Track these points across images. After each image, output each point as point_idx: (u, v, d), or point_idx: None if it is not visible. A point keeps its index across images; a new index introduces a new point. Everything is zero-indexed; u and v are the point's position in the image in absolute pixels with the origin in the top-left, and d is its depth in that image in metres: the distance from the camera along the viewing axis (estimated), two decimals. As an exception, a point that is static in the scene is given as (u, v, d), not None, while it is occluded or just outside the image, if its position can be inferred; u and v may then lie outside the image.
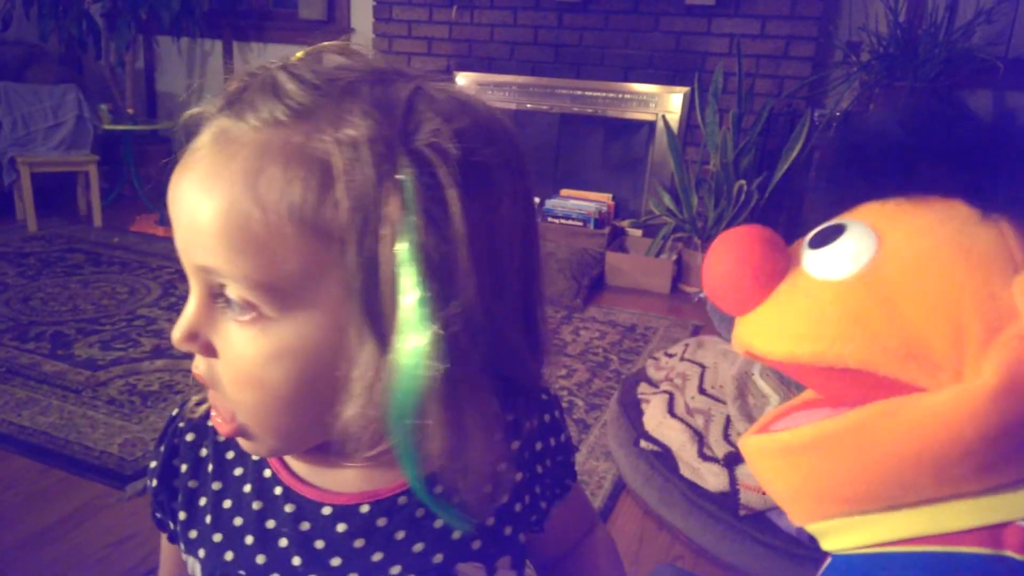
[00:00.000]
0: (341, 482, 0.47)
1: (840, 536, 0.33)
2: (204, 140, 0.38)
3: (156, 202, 3.78)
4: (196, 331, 0.40)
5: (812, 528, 0.37)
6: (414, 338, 0.35)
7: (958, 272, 0.29)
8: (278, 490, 0.47)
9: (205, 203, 0.36)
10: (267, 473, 0.48)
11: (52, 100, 3.52)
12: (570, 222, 3.42)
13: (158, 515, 0.54)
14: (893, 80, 2.65)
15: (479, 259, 0.37)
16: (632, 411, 1.73)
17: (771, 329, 0.36)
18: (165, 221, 3.62)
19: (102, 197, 3.62)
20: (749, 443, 0.40)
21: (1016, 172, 0.31)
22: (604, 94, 3.46)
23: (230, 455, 0.50)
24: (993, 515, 0.27)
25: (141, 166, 3.92)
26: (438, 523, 0.45)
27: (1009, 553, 0.27)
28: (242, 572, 0.46)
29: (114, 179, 4.00)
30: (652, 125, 3.43)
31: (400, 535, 0.45)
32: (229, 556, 0.47)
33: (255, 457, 0.49)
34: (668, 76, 3.35)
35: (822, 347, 0.32)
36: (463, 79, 3.71)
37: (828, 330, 0.32)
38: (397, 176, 0.35)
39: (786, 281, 0.37)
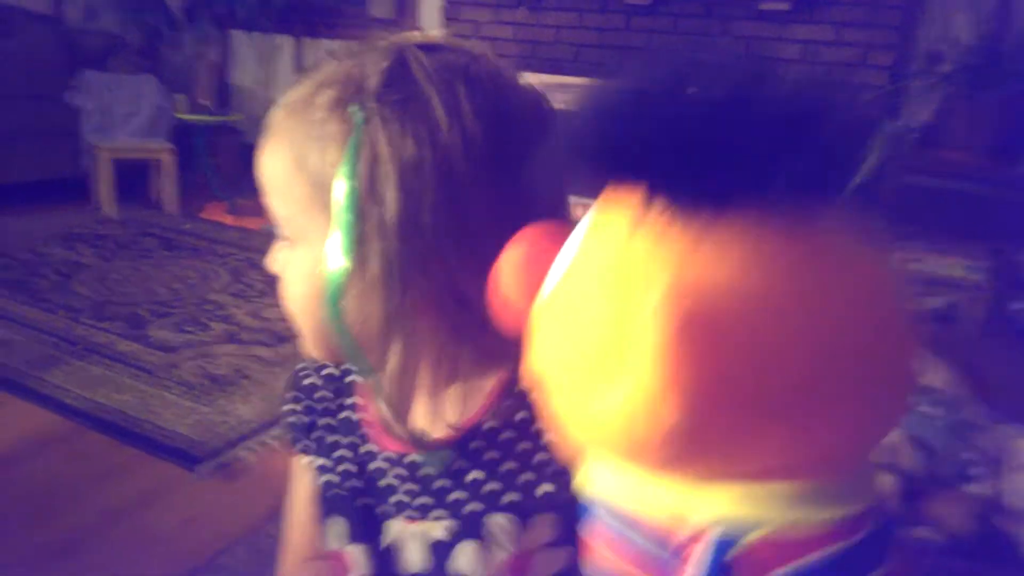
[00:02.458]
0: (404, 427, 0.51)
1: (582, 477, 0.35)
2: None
3: (226, 190, 3.89)
4: (275, 258, 0.50)
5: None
6: (333, 240, 0.43)
7: (611, 285, 0.27)
8: (361, 431, 0.55)
9: (261, 161, 0.48)
10: (354, 416, 0.56)
11: (132, 89, 3.65)
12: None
13: (297, 443, 0.60)
14: (976, 92, 2.56)
15: (429, 194, 0.43)
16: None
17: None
18: (235, 210, 3.72)
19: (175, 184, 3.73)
20: None
21: (696, 158, 0.25)
22: (670, 98, 3.41)
23: (347, 401, 0.57)
24: (671, 505, 0.28)
25: (213, 155, 4.03)
26: (469, 476, 0.50)
27: (680, 539, 0.28)
28: (343, 493, 0.55)
29: (186, 167, 4.12)
30: (718, 131, 3.37)
31: (439, 483, 0.50)
32: (334, 479, 0.55)
33: (348, 401, 0.57)
34: (737, 82, 3.30)
35: (536, 368, 0.32)
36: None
37: (536, 352, 0.32)
38: (347, 124, 0.44)
39: None
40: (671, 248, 0.26)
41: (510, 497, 0.48)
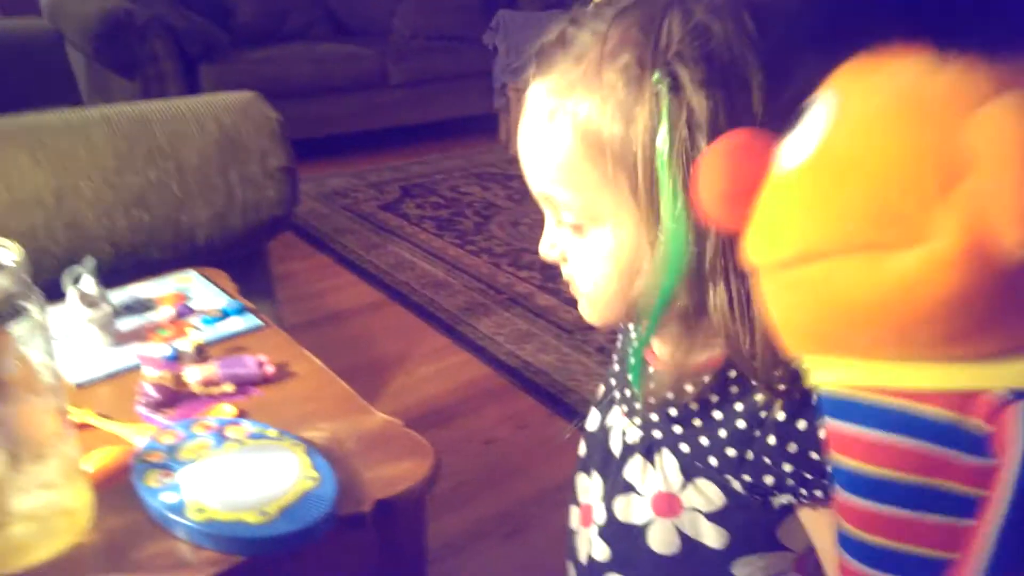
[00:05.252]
0: None
1: (817, 372, 0.34)
2: (527, 103, 0.50)
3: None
4: (553, 244, 0.54)
5: (801, 362, 0.38)
6: (669, 228, 0.43)
7: (910, 126, 0.27)
8: None
9: (532, 149, 0.49)
10: None
11: (543, 27, 3.68)
12: None
13: None
14: None
15: None
16: None
17: (753, 242, 0.36)
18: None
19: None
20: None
21: None
22: None
23: None
24: (960, 381, 0.28)
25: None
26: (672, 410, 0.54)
27: (974, 421, 0.28)
28: None
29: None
30: None
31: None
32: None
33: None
34: None
35: (792, 248, 0.32)
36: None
37: (792, 230, 0.32)
38: (651, 91, 0.42)
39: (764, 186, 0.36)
40: (985, 86, 0.26)
41: (696, 441, 0.52)
